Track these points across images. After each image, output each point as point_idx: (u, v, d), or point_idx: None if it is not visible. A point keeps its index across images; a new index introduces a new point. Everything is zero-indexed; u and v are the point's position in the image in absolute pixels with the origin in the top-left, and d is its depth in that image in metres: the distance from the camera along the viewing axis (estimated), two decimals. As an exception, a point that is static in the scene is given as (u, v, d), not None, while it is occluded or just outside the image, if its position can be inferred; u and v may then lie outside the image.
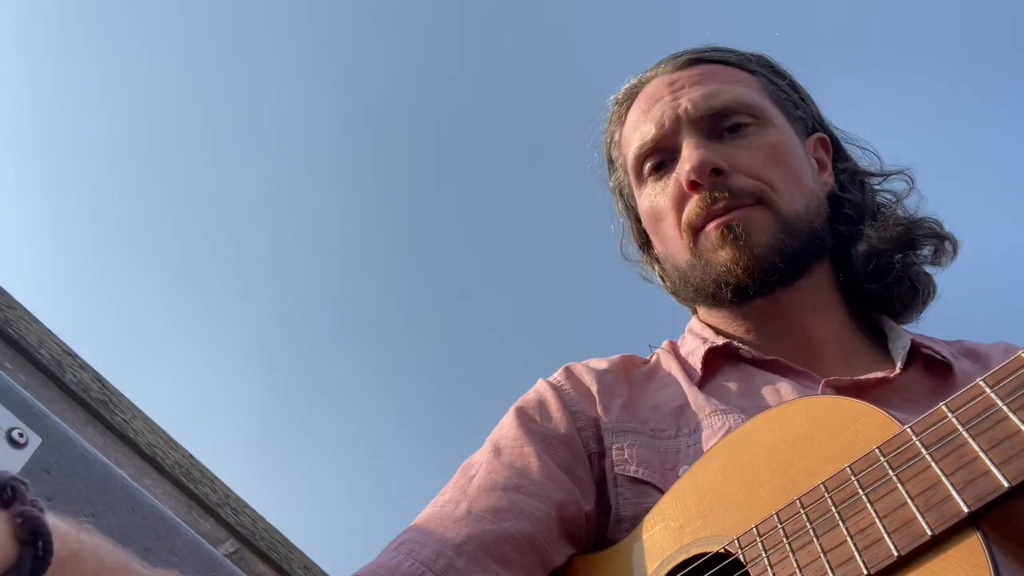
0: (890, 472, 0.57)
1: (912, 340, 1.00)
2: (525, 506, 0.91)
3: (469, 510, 0.91)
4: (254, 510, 1.84)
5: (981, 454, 0.50)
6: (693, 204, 1.04)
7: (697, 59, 1.15)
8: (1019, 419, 0.49)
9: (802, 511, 0.64)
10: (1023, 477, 0.48)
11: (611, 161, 1.25)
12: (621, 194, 1.24)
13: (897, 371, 0.94)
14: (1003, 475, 0.48)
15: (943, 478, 0.52)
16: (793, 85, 1.19)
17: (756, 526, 0.68)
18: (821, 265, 1.07)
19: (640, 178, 1.15)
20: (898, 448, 0.58)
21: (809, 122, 1.17)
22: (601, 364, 1.10)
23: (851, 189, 1.13)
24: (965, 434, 0.52)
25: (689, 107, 1.08)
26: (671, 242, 1.09)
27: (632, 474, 0.94)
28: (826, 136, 1.19)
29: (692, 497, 0.80)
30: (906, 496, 0.54)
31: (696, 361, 1.06)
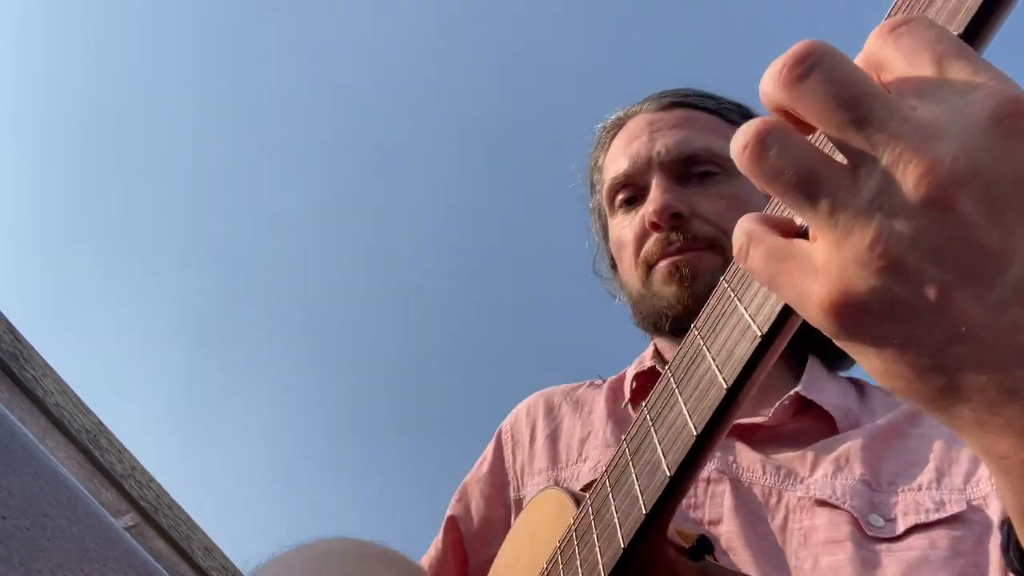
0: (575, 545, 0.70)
1: (797, 390, 1.02)
2: None
3: None
4: (160, 485, 1.86)
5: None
6: (651, 243, 1.12)
7: (679, 103, 1.21)
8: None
9: None
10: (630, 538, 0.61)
11: (592, 184, 1.32)
12: (599, 215, 1.31)
13: (767, 418, 1.00)
14: (622, 538, 0.62)
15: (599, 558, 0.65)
16: None
17: None
18: None
19: (612, 208, 1.22)
20: (580, 523, 0.72)
21: None
22: (553, 398, 1.23)
23: None
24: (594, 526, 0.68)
25: (662, 150, 1.15)
26: (628, 272, 1.18)
27: None
28: None
29: (512, 554, 0.93)
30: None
31: (628, 384, 1.16)
